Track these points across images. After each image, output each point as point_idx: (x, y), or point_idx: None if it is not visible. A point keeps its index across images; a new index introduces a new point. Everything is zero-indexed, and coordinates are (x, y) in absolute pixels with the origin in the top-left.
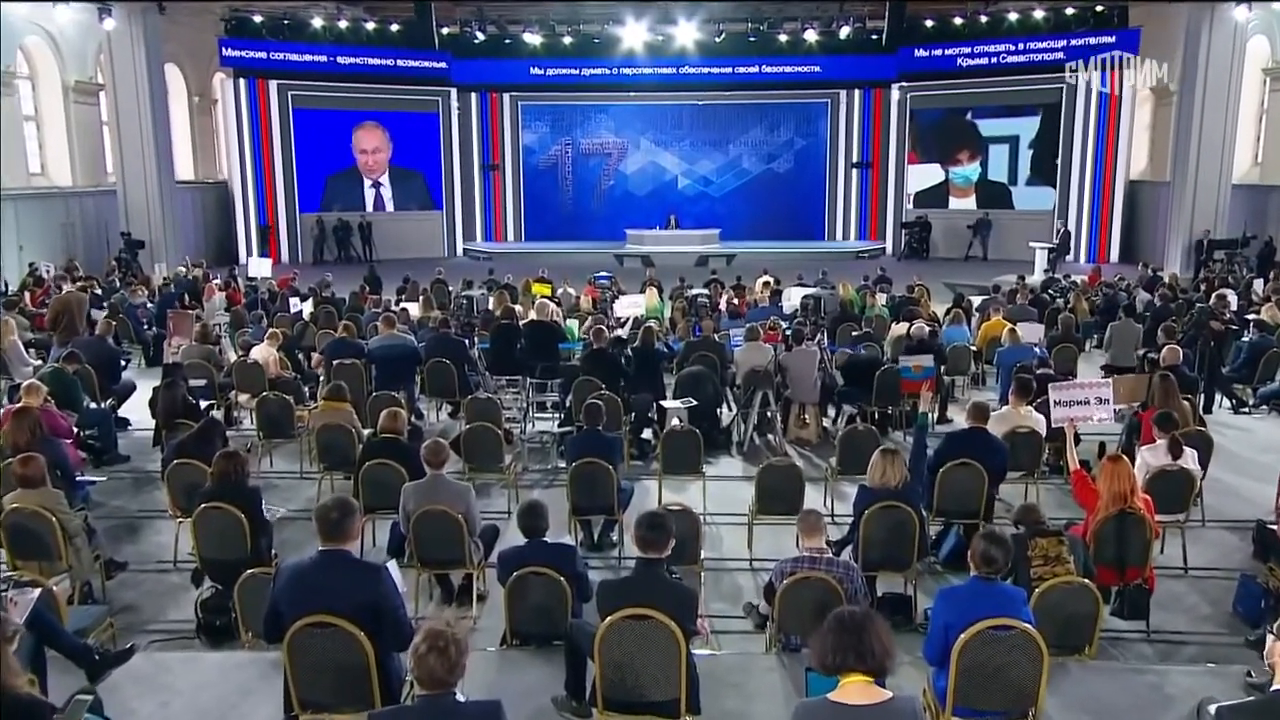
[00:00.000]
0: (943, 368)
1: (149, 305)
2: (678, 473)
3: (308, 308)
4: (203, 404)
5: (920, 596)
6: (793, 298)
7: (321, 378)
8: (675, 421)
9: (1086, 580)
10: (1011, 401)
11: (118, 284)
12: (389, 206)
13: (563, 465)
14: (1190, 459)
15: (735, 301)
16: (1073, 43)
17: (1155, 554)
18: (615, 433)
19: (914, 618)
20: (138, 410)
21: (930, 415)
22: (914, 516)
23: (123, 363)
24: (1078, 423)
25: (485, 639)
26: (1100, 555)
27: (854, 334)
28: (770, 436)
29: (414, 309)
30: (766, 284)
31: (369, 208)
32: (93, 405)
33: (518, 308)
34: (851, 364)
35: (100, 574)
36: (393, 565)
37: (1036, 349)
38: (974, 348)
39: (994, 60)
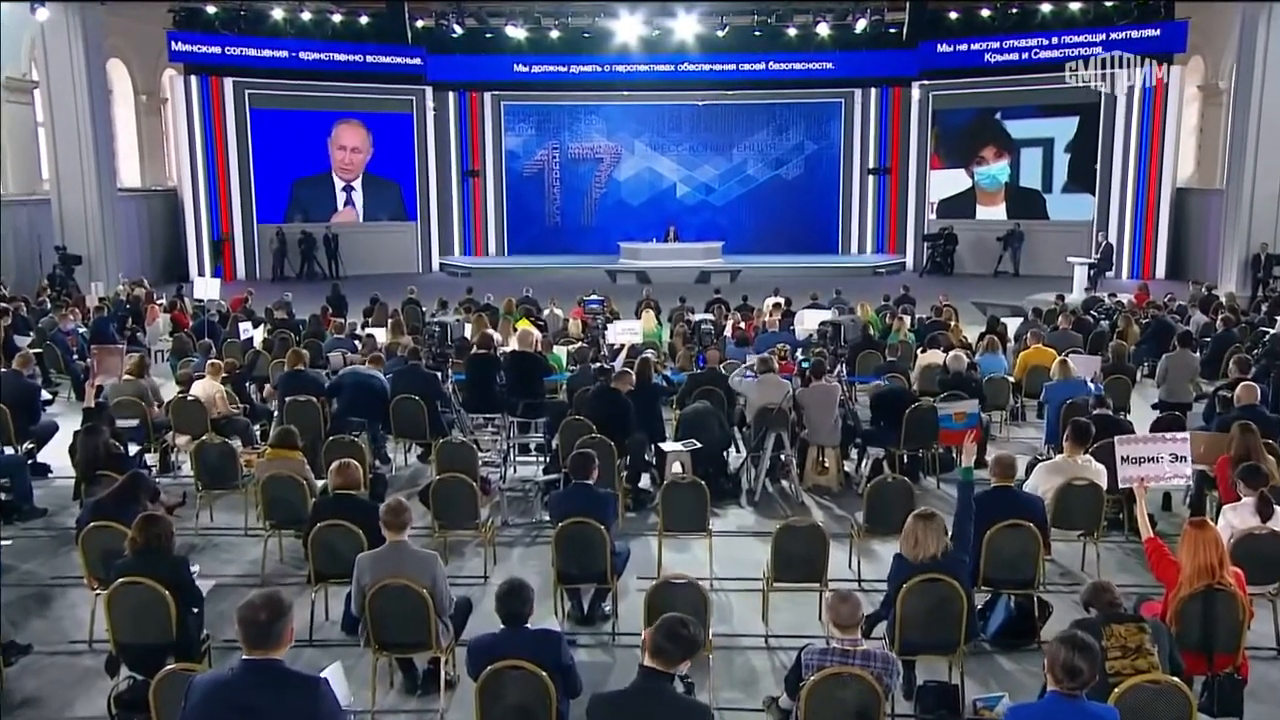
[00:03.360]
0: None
1: (81, 331)
2: (680, 530)
3: (260, 334)
4: (134, 448)
5: (968, 683)
6: (806, 321)
7: (275, 415)
8: (677, 467)
9: (1175, 679)
10: (1066, 449)
11: (49, 305)
12: (359, 217)
13: (548, 519)
14: None
15: (742, 325)
16: (1112, 36)
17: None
18: (607, 487)
19: (961, 711)
20: (62, 454)
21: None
22: (960, 591)
23: (48, 396)
24: (1149, 484)
25: None
26: (1183, 639)
27: (877, 365)
28: (785, 483)
29: (381, 335)
30: (777, 305)
31: (338, 216)
32: (6, 450)
33: (496, 335)
34: (883, 398)
35: None
36: (334, 671)
37: (1091, 384)
38: (1012, 379)
39: (1025, 56)
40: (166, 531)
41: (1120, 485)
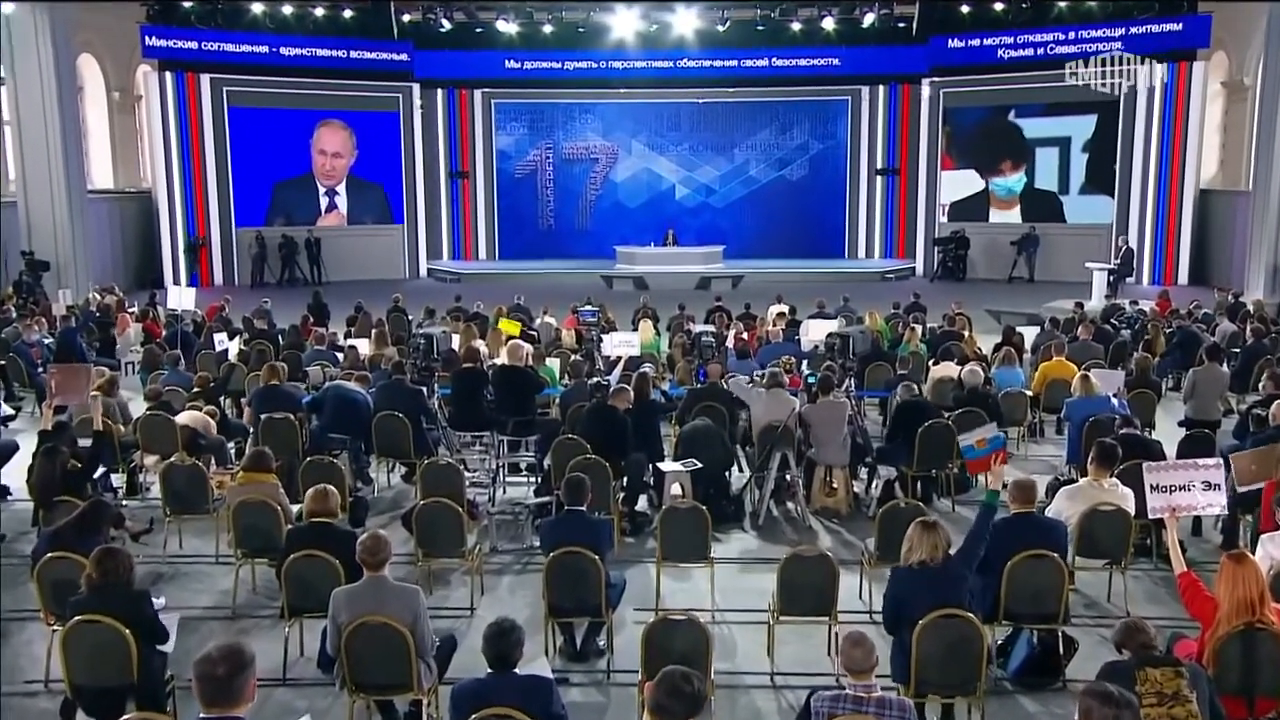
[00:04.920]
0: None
1: (47, 342)
2: (680, 558)
3: (235, 345)
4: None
5: None
6: (811, 331)
7: (251, 433)
8: (676, 488)
9: None
10: (1091, 471)
11: (14, 314)
12: (343, 220)
13: (539, 544)
14: None
15: (744, 336)
16: (1132, 31)
17: None
18: (602, 511)
19: None
20: (23, 475)
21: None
22: (978, 629)
23: (9, 412)
24: (1180, 514)
25: None
26: (1222, 683)
27: (887, 378)
28: (791, 506)
29: (364, 346)
30: (781, 314)
31: (322, 219)
32: None
33: (483, 346)
34: (905, 410)
35: None
36: None
37: (1115, 400)
38: (1030, 393)
39: (1040, 52)
40: (125, 565)
41: (1150, 516)
